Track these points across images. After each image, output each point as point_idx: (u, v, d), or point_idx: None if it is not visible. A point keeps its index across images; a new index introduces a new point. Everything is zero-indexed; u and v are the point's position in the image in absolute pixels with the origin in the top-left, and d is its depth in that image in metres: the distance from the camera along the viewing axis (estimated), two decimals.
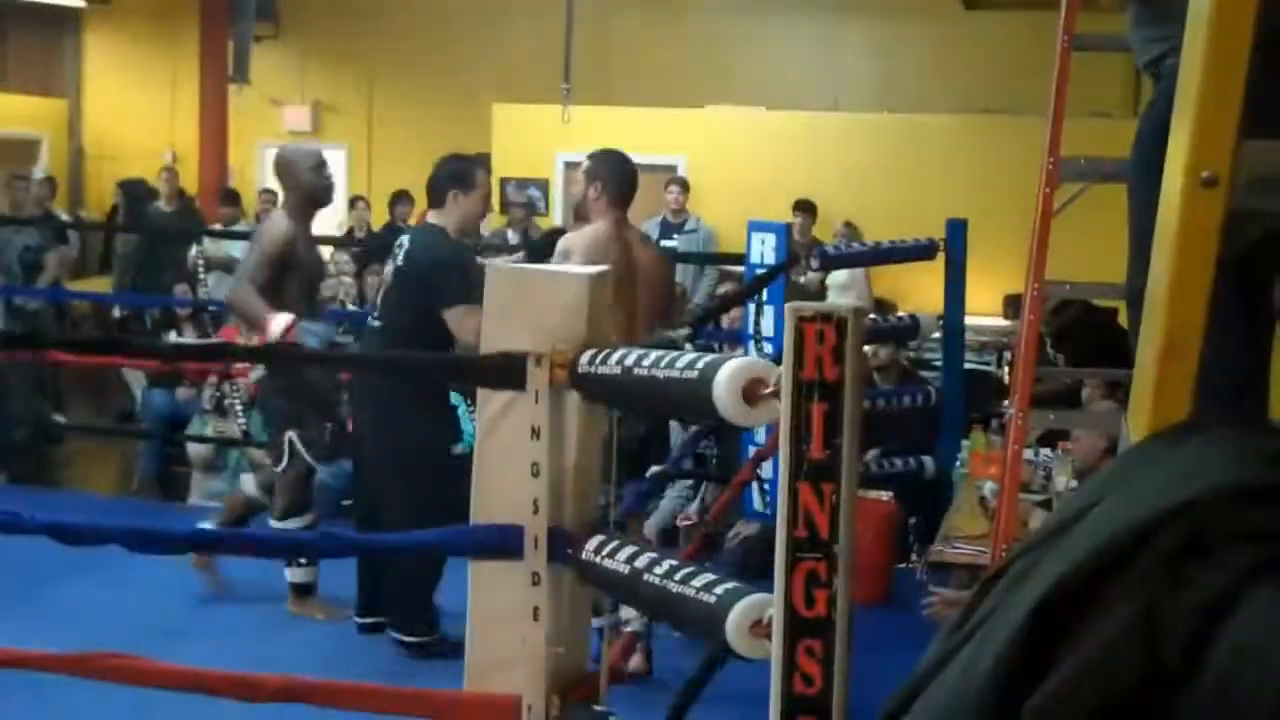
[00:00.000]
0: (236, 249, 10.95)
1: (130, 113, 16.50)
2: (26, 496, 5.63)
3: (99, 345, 5.24)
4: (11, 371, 9.11)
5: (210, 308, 9.59)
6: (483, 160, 5.73)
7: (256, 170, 15.71)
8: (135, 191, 14.01)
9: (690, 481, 6.60)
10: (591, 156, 5.25)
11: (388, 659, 5.32)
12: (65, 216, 13.08)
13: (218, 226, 12.12)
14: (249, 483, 6.30)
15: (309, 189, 5.77)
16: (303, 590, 5.78)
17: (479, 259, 5.65)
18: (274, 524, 5.72)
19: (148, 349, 5.46)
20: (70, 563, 5.75)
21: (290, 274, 5.62)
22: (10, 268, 9.56)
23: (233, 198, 13.61)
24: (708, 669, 3.26)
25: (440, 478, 5.21)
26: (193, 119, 14.81)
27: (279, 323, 5.31)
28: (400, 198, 13.17)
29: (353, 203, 13.59)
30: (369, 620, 5.64)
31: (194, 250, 11.18)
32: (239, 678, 3.16)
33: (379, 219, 13.49)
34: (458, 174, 5.57)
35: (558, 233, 5.81)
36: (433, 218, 5.63)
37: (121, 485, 8.60)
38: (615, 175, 5.17)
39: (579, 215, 5.32)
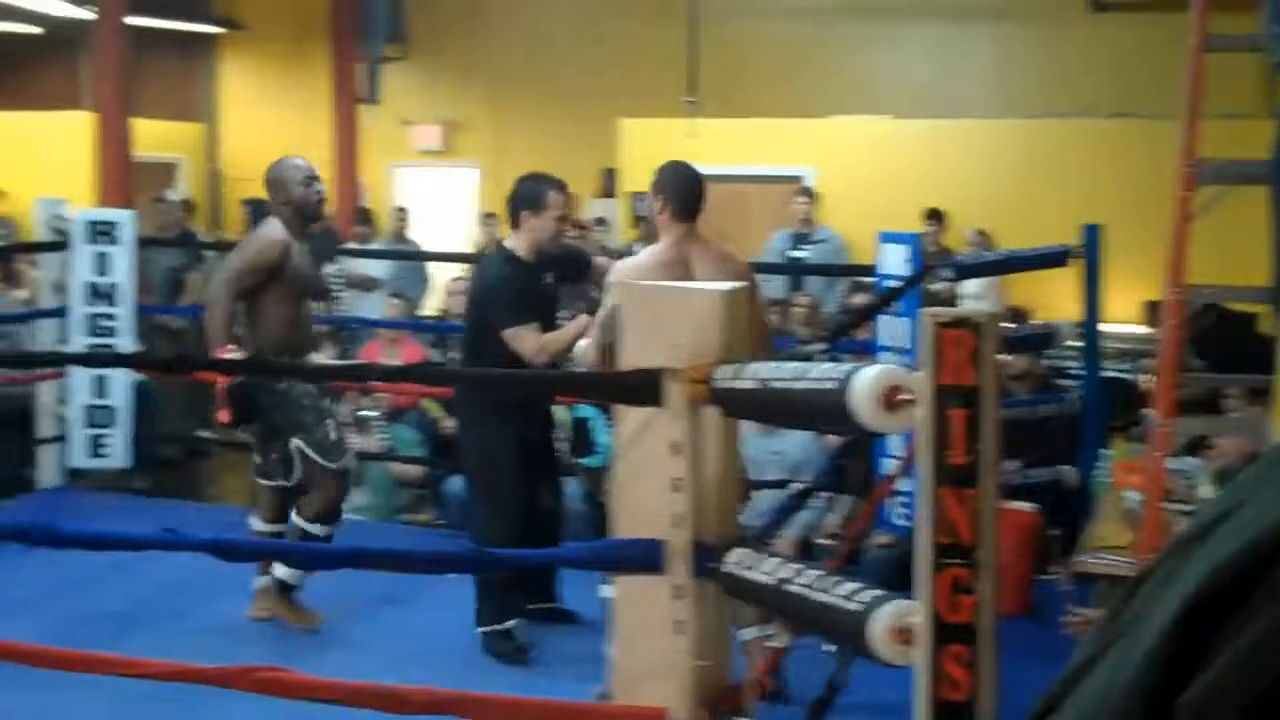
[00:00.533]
0: (374, 267, 11.17)
1: (265, 135, 16.83)
2: (177, 511, 5.78)
3: (244, 365, 5.34)
4: (162, 390, 9.36)
5: (350, 325, 9.78)
6: (554, 180, 5.70)
7: (389, 190, 15.97)
8: (260, 210, 14.32)
9: (826, 496, 6.59)
10: (659, 170, 5.13)
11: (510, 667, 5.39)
12: (205, 237, 13.41)
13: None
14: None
15: (299, 202, 5.74)
16: (287, 589, 5.68)
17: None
18: (296, 520, 5.66)
19: (291, 368, 5.53)
20: (217, 580, 5.95)
21: (276, 285, 5.62)
22: (154, 287, 9.82)
23: (366, 217, 13.87)
24: (839, 678, 3.26)
25: (502, 478, 5.57)
26: (326, 140, 15.09)
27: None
28: None
29: (484, 219, 13.76)
30: (538, 606, 5.84)
31: (333, 269, 11.42)
32: (387, 691, 3.23)
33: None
34: (528, 195, 5.63)
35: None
36: (508, 239, 5.78)
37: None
38: (679, 187, 5.02)
39: (652, 230, 5.23)
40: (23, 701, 4.86)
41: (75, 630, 5.23)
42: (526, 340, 5.43)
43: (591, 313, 5.53)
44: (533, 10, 15.73)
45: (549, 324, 5.58)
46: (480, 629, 5.59)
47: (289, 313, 5.65)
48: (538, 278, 5.63)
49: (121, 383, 7.71)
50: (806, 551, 6.21)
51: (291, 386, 5.60)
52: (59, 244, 7.92)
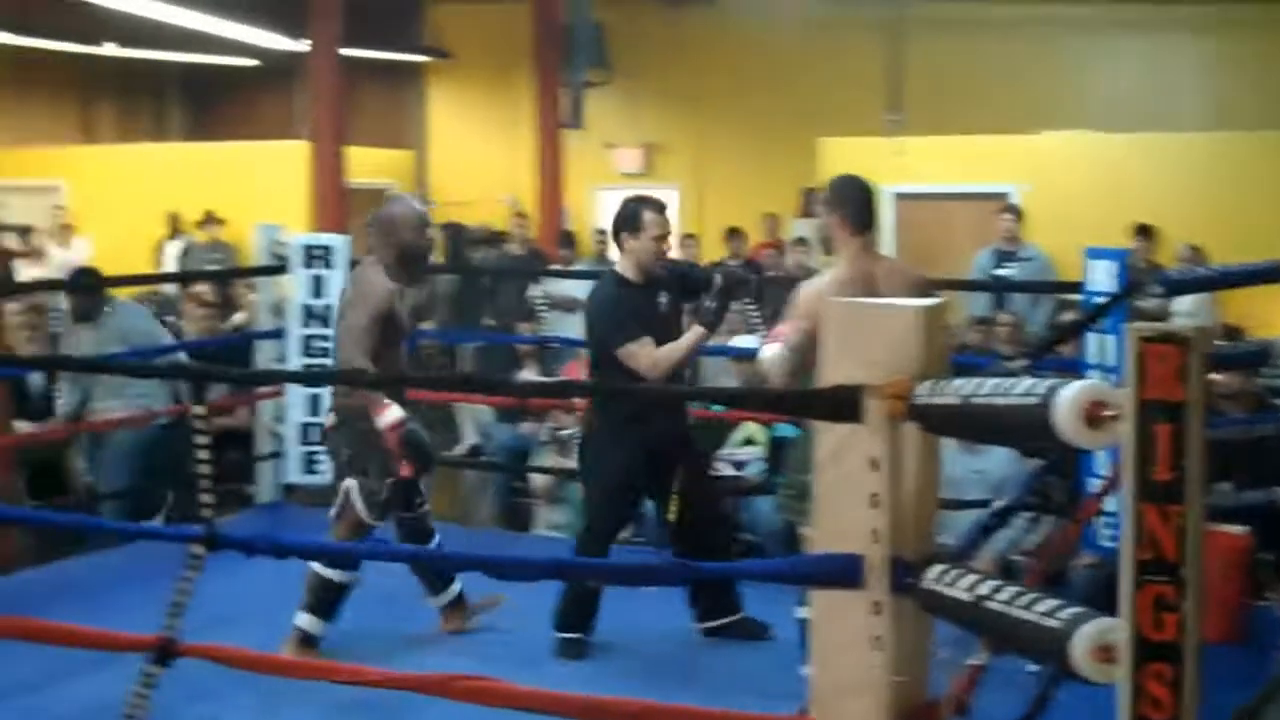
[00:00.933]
0: (576, 289, 11.34)
1: (472, 160, 17.24)
2: (384, 526, 5.95)
3: (454, 382, 5.46)
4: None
5: (551, 344, 9.95)
6: (653, 201, 5.68)
7: (591, 212, 16.19)
8: (455, 234, 14.61)
9: (1028, 515, 6.48)
10: (830, 185, 5.04)
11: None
12: None
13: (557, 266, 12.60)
14: None
15: (406, 247, 5.59)
16: (309, 641, 5.54)
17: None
18: (314, 567, 5.53)
19: (500, 385, 5.64)
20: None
21: (381, 332, 5.48)
22: None
23: (568, 239, 14.09)
24: (1042, 698, 3.22)
25: (607, 498, 5.68)
26: (530, 165, 15.37)
27: (392, 416, 5.34)
28: (734, 234, 13.39)
29: (682, 241, 13.86)
30: (708, 625, 5.83)
31: (538, 291, 11.67)
32: (590, 701, 3.29)
33: (712, 254, 13.74)
34: (627, 217, 5.66)
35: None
36: (617, 263, 5.85)
37: (467, 517, 8.96)
38: (855, 200, 4.93)
39: (828, 247, 5.12)
40: (240, 707, 5.06)
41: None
42: (640, 356, 5.47)
43: (706, 324, 5.57)
44: (734, 32, 15.82)
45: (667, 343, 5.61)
46: (558, 633, 5.66)
47: (389, 355, 5.55)
48: (649, 299, 5.66)
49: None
50: (1008, 571, 6.12)
51: (376, 432, 5.43)
52: (277, 268, 8.21)
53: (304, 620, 5.54)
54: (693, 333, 5.58)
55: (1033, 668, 4.10)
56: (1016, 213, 11.69)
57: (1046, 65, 14.47)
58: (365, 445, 5.45)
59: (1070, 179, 12.32)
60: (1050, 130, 12.98)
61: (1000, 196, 12.21)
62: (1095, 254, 6.36)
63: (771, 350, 4.75)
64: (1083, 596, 5.67)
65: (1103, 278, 6.18)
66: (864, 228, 4.90)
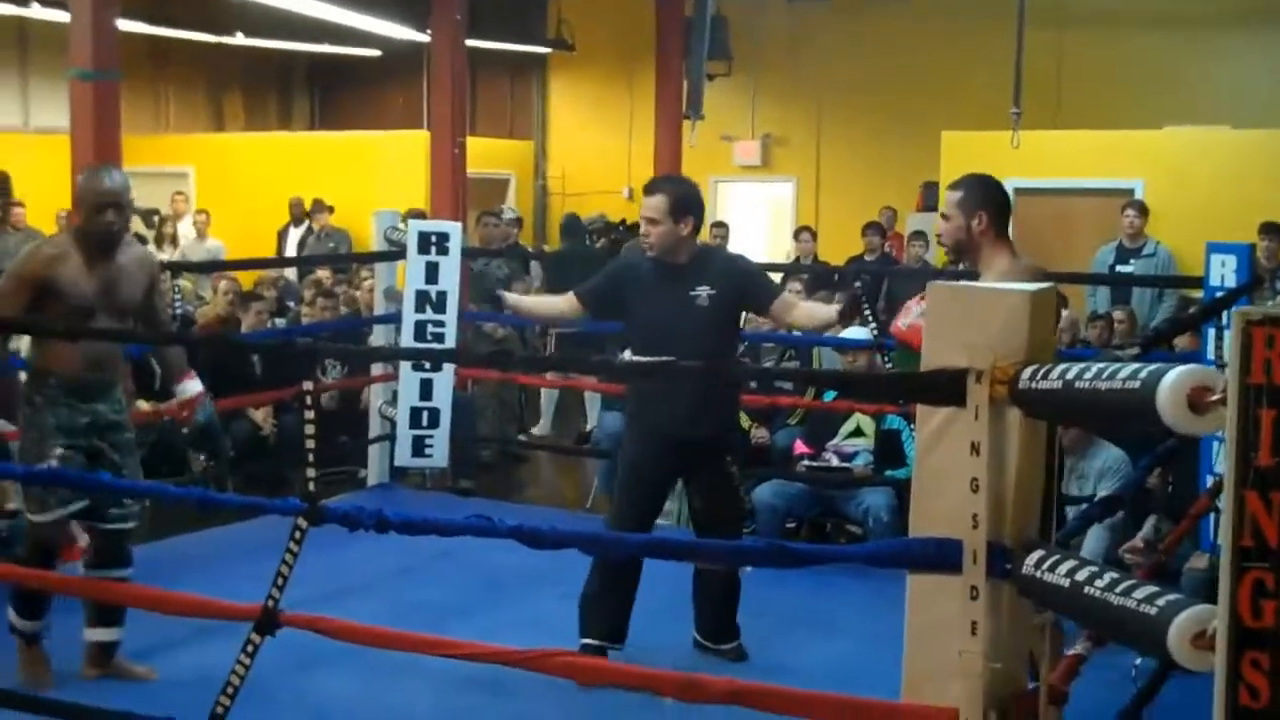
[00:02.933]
0: None
1: (590, 151, 17.32)
2: (495, 508, 6.00)
3: (551, 364, 5.45)
4: (480, 393, 9.72)
5: None
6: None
7: (709, 205, 16.18)
8: (570, 224, 14.65)
9: (1136, 510, 6.38)
10: (964, 185, 4.70)
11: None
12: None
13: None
14: None
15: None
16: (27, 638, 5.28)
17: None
18: None
19: (596, 366, 5.64)
20: (532, 575, 6.15)
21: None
22: (485, 296, 10.19)
23: None
24: (1152, 686, 3.16)
25: (625, 486, 5.60)
26: (648, 156, 15.39)
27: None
28: (870, 228, 13.29)
29: (797, 234, 13.81)
30: (707, 644, 5.73)
31: None
32: (687, 679, 3.29)
33: (829, 251, 13.71)
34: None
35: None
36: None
37: (578, 502, 9.02)
38: (998, 200, 4.68)
39: (960, 251, 4.72)
40: (351, 680, 5.15)
41: (398, 615, 5.47)
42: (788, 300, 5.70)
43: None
44: (854, 26, 15.74)
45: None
46: (581, 639, 5.52)
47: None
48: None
49: (445, 385, 8.04)
50: (1114, 566, 6.02)
51: None
52: (393, 254, 8.32)
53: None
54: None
55: (1139, 660, 4.05)
56: (1140, 208, 11.50)
57: (1171, 60, 14.21)
58: None
59: (1194, 174, 12.09)
60: (1174, 125, 12.73)
61: (1123, 192, 12.01)
62: (1216, 248, 6.26)
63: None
64: (1196, 596, 5.57)
65: (1223, 272, 6.08)
66: (1006, 230, 4.69)
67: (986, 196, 4.65)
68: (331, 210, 14.98)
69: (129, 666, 5.30)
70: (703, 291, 5.42)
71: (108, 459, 5.14)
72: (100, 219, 5.01)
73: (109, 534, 5.22)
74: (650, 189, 5.46)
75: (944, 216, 4.77)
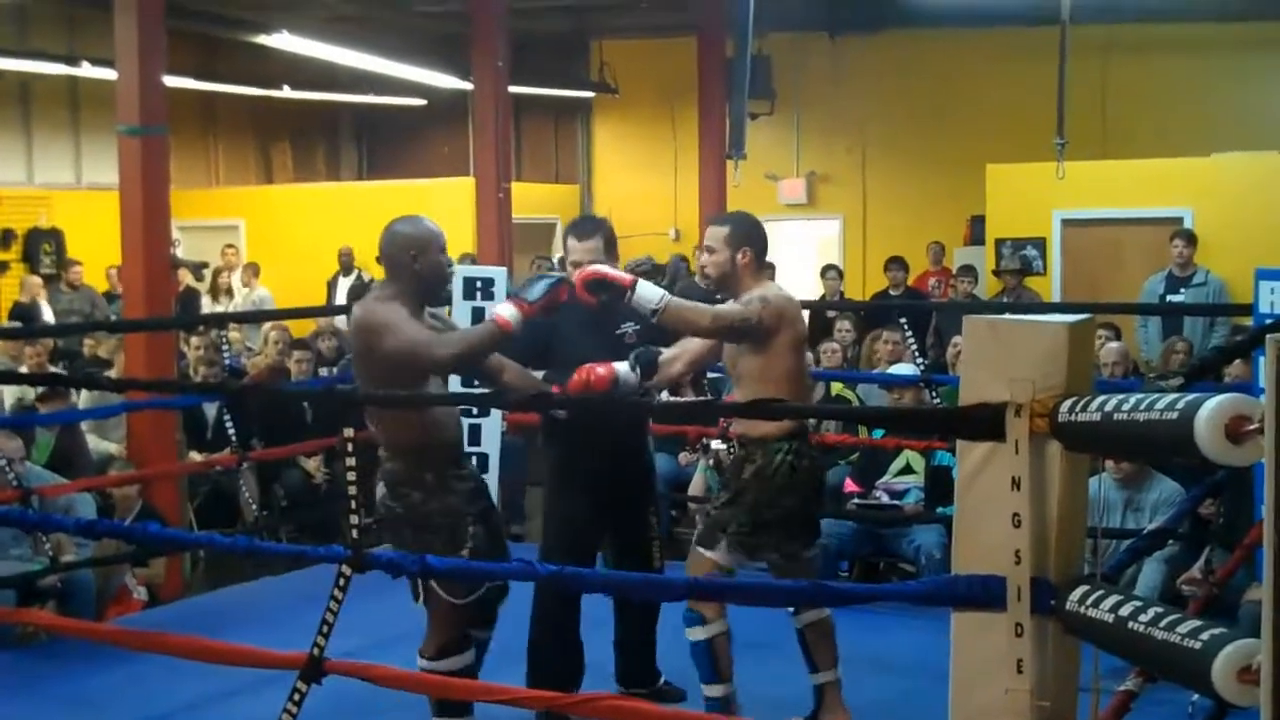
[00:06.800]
0: None
1: (635, 193, 17.37)
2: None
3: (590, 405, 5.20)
4: (525, 436, 9.70)
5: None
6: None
7: None
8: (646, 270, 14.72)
9: (1186, 543, 6.29)
10: (731, 221, 5.00)
11: None
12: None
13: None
14: None
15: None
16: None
17: None
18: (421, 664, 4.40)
19: (650, 409, 5.52)
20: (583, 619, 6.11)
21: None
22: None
23: None
24: None
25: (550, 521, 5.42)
26: (693, 197, 15.42)
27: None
28: (893, 263, 13.27)
29: (824, 272, 13.80)
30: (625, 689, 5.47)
31: None
32: None
33: (874, 285, 13.66)
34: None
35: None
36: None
37: None
38: (760, 239, 4.96)
39: (723, 282, 4.94)
40: None
41: None
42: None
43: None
44: (896, 60, 15.74)
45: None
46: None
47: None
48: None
49: (494, 431, 8.04)
50: (1165, 600, 5.94)
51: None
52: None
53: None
54: None
55: (1195, 696, 3.99)
56: (1188, 238, 11.39)
57: (1218, 87, 14.12)
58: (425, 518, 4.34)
59: (1244, 202, 11.96)
60: (1221, 153, 12.63)
61: (1172, 221, 11.91)
62: (1265, 275, 6.18)
63: None
64: (1251, 632, 5.49)
65: (1274, 299, 6.00)
66: (763, 263, 5.02)
67: (751, 234, 4.96)
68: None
69: None
70: (629, 328, 5.29)
71: None
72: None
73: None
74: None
75: (708, 250, 4.97)
